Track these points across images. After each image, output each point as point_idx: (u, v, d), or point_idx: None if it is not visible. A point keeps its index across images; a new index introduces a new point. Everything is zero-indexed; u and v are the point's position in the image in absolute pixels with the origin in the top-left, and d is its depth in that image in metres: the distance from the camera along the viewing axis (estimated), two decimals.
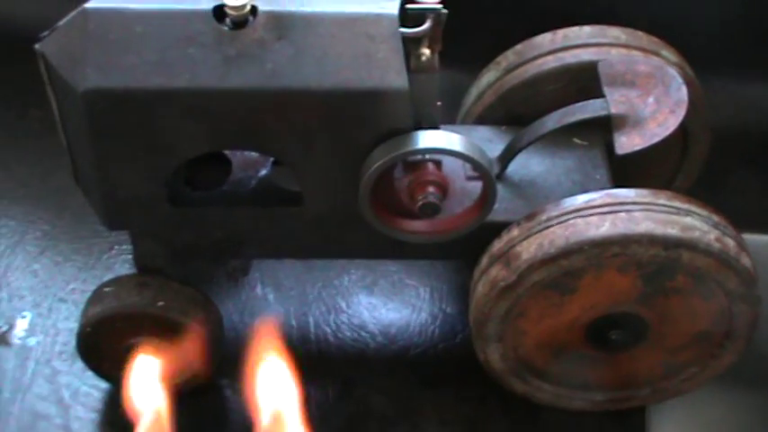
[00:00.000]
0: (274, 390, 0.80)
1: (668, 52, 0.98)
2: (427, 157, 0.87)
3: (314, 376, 1.00)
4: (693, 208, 0.86)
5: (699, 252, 0.84)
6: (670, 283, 0.87)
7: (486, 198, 0.87)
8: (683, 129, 0.98)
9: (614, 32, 0.97)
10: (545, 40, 0.98)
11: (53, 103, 0.85)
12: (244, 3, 0.81)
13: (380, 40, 0.82)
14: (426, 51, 0.84)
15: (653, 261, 0.85)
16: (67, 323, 1.03)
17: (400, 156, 0.83)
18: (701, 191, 1.04)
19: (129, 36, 0.81)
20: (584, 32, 0.98)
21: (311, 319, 1.04)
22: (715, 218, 0.86)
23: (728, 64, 1.23)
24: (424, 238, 0.89)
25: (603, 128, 0.92)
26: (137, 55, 0.81)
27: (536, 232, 0.86)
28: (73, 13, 0.82)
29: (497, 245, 0.88)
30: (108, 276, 1.01)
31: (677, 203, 0.85)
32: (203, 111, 0.82)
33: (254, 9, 0.82)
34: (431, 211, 0.87)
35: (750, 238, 1.07)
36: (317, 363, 1.02)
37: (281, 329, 0.90)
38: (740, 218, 1.11)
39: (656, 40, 0.98)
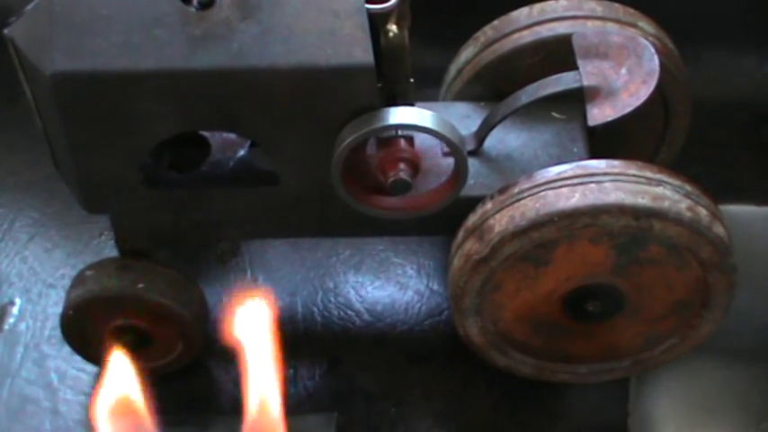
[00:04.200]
0: (259, 371, 0.79)
1: (645, 23, 0.97)
2: (399, 133, 0.88)
3: (301, 354, 1.01)
4: (665, 177, 0.86)
5: (670, 221, 0.84)
6: (644, 254, 0.87)
7: (459, 174, 0.87)
8: (663, 100, 0.98)
9: (590, 5, 0.97)
10: (522, 14, 0.98)
11: (26, 88, 0.86)
12: None
13: (345, 16, 0.82)
14: (394, 28, 0.84)
15: (624, 231, 0.85)
16: (56, 308, 1.03)
17: (369, 132, 0.84)
18: (692, 163, 1.05)
19: (95, 19, 0.81)
20: (560, 6, 0.97)
21: (298, 299, 1.05)
22: (687, 187, 0.86)
23: (719, 37, 1.22)
24: (397, 215, 0.89)
25: (582, 102, 0.92)
26: (103, 37, 0.81)
27: (508, 205, 0.86)
28: None
29: (472, 219, 0.88)
30: None
31: (648, 173, 0.85)
32: (171, 92, 0.82)
33: None
34: (401, 187, 0.87)
35: (740, 209, 1.08)
36: (305, 341, 1.03)
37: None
38: (730, 190, 1.12)
39: (632, 11, 0.98)
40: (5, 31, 0.83)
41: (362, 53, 0.82)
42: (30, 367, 1.01)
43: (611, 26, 0.95)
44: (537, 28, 0.96)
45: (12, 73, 0.88)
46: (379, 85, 0.84)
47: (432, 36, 1.08)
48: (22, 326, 1.04)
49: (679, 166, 0.99)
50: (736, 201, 1.08)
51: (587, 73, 0.90)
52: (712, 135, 1.17)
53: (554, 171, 0.86)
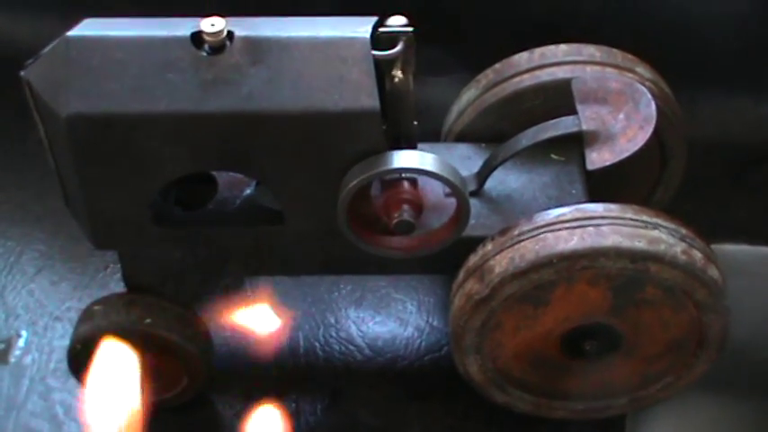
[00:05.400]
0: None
1: (643, 69, 1.00)
2: (403, 175, 0.90)
3: (303, 389, 1.03)
4: (661, 221, 0.88)
5: (666, 264, 0.86)
6: (640, 295, 0.89)
7: (461, 215, 0.89)
8: (659, 142, 1.00)
9: (589, 50, 1.00)
10: (522, 58, 1.00)
11: (40, 127, 0.88)
12: (221, 29, 0.84)
13: (353, 62, 0.84)
14: (399, 73, 0.86)
15: (621, 274, 0.87)
16: (62, 341, 1.05)
17: (374, 175, 0.86)
18: (686, 202, 1.06)
19: (109, 62, 0.84)
20: (560, 51, 1.00)
21: (300, 334, 1.07)
22: (683, 230, 0.88)
23: (714, 79, 1.24)
24: (401, 254, 0.91)
25: (580, 144, 0.94)
26: (117, 81, 0.83)
27: (508, 246, 0.88)
28: (56, 41, 0.85)
29: (473, 259, 0.90)
30: (103, 295, 1.03)
31: (645, 217, 0.87)
32: (182, 134, 0.84)
33: (230, 34, 0.84)
34: (405, 228, 0.89)
35: (733, 248, 1.09)
36: (306, 376, 1.04)
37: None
38: (724, 229, 1.13)
39: (630, 57, 1.00)
40: (22, 72, 0.85)
41: (368, 99, 0.84)
42: (35, 400, 1.02)
43: (609, 71, 0.97)
44: (537, 72, 0.99)
45: (21, 110, 0.90)
46: (384, 127, 0.87)
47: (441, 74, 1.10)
48: (28, 359, 1.05)
49: (674, 205, 1.02)
50: (730, 239, 1.09)
51: (586, 117, 0.93)
52: (707, 174, 1.19)
53: (553, 214, 0.88)
